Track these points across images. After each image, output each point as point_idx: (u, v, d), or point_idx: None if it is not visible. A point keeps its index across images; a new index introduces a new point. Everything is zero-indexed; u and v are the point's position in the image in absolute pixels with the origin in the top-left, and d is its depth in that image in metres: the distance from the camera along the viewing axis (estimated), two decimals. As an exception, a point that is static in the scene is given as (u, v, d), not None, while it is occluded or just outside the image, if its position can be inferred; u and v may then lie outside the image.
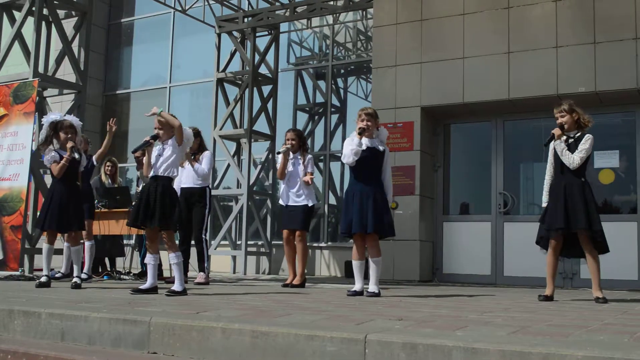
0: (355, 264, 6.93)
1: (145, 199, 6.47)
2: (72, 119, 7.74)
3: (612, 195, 10.36)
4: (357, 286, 6.86)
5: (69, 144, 7.36)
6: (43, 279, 7.36)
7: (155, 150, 6.60)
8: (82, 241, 8.02)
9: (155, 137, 6.59)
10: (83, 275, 8.56)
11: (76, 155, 7.43)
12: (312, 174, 8.65)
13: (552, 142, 6.71)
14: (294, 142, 8.68)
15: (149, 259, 6.58)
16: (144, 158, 6.69)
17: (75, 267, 7.51)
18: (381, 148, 6.92)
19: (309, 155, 8.74)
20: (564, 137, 6.69)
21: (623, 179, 10.19)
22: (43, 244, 7.67)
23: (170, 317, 4.13)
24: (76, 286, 7.22)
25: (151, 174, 6.57)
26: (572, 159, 6.55)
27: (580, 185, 6.59)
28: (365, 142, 6.83)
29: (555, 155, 6.73)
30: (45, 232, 7.56)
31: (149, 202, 6.45)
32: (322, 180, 14.10)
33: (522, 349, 3.02)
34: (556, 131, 6.68)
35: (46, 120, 7.62)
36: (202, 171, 8.65)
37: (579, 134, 6.68)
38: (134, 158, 10.75)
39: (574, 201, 6.52)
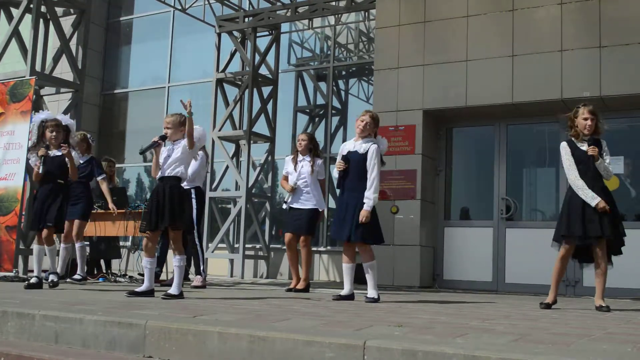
0: (344, 267, 6.88)
1: (155, 201, 6.41)
2: (63, 117, 7.70)
3: (617, 201, 10.21)
4: (345, 290, 6.84)
5: (40, 152, 7.29)
6: (33, 280, 7.30)
7: (164, 151, 6.52)
8: (60, 242, 7.99)
9: (163, 138, 6.52)
10: (76, 276, 8.50)
11: (53, 153, 7.37)
12: (323, 181, 8.65)
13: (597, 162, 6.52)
14: (304, 142, 8.64)
15: (145, 262, 6.51)
16: (153, 159, 6.60)
17: (51, 265, 7.59)
18: (361, 151, 6.76)
19: (320, 160, 8.68)
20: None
21: (628, 186, 10.11)
22: (33, 244, 7.63)
23: (166, 321, 4.11)
24: (53, 285, 7.32)
25: (159, 175, 6.49)
26: (610, 172, 6.55)
27: (607, 191, 6.55)
28: (347, 147, 6.89)
29: (577, 160, 6.58)
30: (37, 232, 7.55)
31: (159, 204, 6.38)
32: (322, 183, 14.02)
33: (523, 357, 3.00)
34: (594, 152, 6.48)
35: (35, 120, 7.58)
36: (194, 172, 8.57)
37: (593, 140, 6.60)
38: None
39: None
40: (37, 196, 7.44)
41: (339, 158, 6.91)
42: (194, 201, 8.59)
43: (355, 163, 6.73)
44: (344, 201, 6.73)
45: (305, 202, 8.51)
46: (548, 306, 6.51)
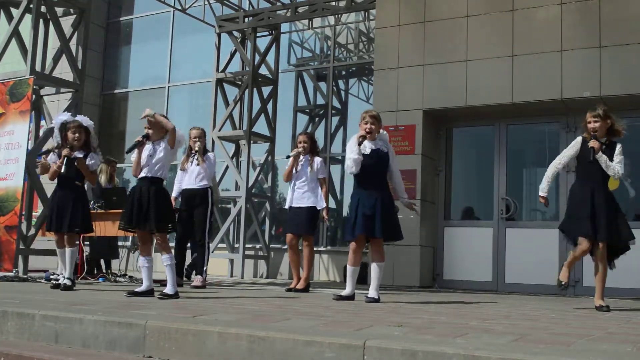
0: (350, 269, 6.85)
1: (138, 200, 6.40)
2: (83, 119, 7.70)
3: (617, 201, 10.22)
4: (347, 291, 6.80)
5: (65, 151, 7.29)
6: (67, 282, 7.29)
7: (145, 150, 6.53)
8: (77, 242, 7.95)
9: (146, 137, 6.53)
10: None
11: (77, 154, 7.39)
12: (325, 179, 8.62)
13: (595, 155, 6.48)
14: (305, 144, 8.62)
15: (142, 261, 6.50)
16: (135, 157, 6.59)
17: (67, 269, 7.44)
18: (385, 149, 6.86)
19: (319, 158, 8.67)
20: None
21: (628, 185, 10.09)
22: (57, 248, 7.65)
23: (166, 321, 4.10)
24: (66, 288, 7.19)
25: (141, 174, 6.49)
26: (617, 170, 6.49)
27: (611, 195, 6.54)
28: (368, 145, 6.77)
29: (583, 158, 6.59)
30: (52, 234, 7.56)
31: (142, 204, 6.37)
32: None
33: (523, 357, 2.99)
34: (594, 144, 6.48)
35: (56, 122, 7.59)
36: (211, 172, 8.71)
37: (607, 141, 6.57)
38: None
39: (602, 210, 6.44)
40: (55, 197, 7.41)
41: (354, 148, 6.74)
42: (209, 200, 8.75)
43: (383, 161, 6.82)
44: (375, 197, 6.66)
45: (305, 201, 8.51)
46: (560, 284, 6.54)
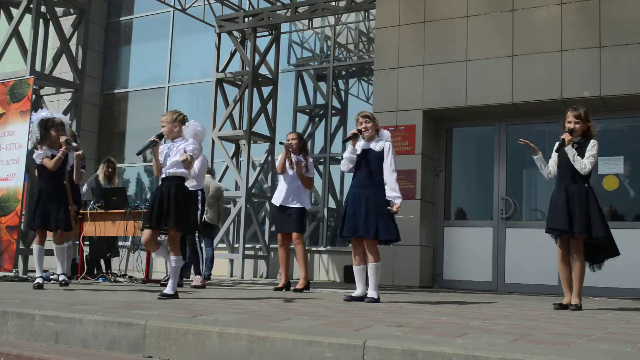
0: (354, 269, 6.85)
1: (159, 201, 6.34)
2: (61, 116, 7.69)
3: (616, 201, 10.26)
4: (356, 292, 6.78)
5: (62, 138, 7.27)
6: (39, 280, 7.27)
7: (163, 149, 6.48)
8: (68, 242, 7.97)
9: (160, 136, 6.46)
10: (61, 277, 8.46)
11: (75, 148, 7.41)
12: (311, 178, 8.62)
13: (564, 147, 6.58)
14: (294, 141, 8.62)
15: (154, 255, 6.44)
16: (153, 159, 6.53)
17: (59, 266, 7.51)
18: (377, 149, 6.80)
19: (310, 159, 8.68)
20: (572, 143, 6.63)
21: (628, 186, 10.10)
22: (33, 244, 7.59)
23: (166, 321, 4.10)
24: (65, 283, 7.26)
25: (162, 175, 6.44)
26: (584, 165, 6.48)
27: (584, 191, 6.51)
28: (360, 145, 6.82)
29: (560, 158, 6.64)
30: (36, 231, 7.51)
31: (162, 203, 6.32)
32: (322, 183, 14.04)
33: (523, 357, 2.99)
34: (566, 136, 6.57)
35: (36, 117, 7.56)
36: (193, 173, 8.56)
37: (582, 140, 6.61)
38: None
39: (574, 206, 6.44)
40: (41, 194, 7.36)
41: (349, 147, 6.83)
42: (199, 202, 8.60)
43: (373, 160, 6.77)
44: (360, 197, 6.68)
45: (295, 202, 8.48)
46: (562, 306, 6.47)
